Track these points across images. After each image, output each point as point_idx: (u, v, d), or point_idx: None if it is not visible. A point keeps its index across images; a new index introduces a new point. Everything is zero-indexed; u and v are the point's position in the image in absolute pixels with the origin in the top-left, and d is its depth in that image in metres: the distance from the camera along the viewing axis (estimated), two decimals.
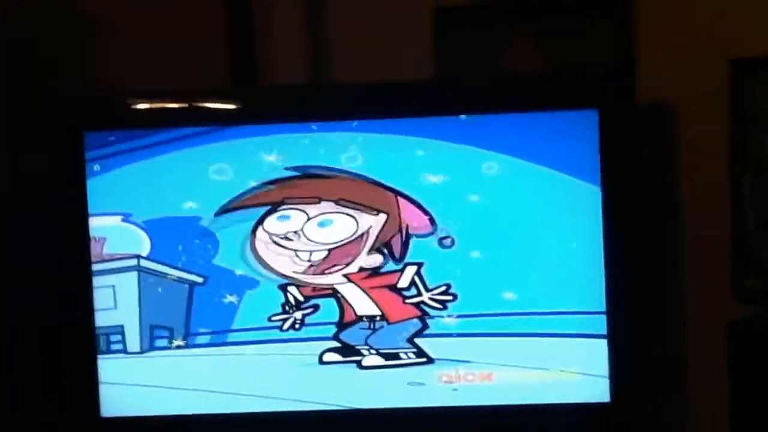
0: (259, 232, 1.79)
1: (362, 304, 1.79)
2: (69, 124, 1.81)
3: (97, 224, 1.81)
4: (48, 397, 1.96)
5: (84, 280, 1.81)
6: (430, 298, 1.78)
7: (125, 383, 1.83)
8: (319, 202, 1.78)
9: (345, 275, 1.79)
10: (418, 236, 1.77)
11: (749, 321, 1.74)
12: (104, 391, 1.83)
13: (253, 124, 1.78)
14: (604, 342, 1.77)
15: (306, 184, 1.77)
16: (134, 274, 1.81)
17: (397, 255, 1.78)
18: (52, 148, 1.82)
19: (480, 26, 2.06)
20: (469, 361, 1.79)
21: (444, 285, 1.78)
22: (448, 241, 1.77)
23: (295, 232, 1.79)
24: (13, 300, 1.98)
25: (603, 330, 1.76)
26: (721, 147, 1.81)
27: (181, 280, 1.81)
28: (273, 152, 1.77)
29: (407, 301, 1.79)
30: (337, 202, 1.78)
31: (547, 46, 2.00)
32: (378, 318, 1.80)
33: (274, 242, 1.79)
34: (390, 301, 1.79)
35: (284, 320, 1.80)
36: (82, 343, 1.82)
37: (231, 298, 1.80)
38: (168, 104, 1.83)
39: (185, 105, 1.82)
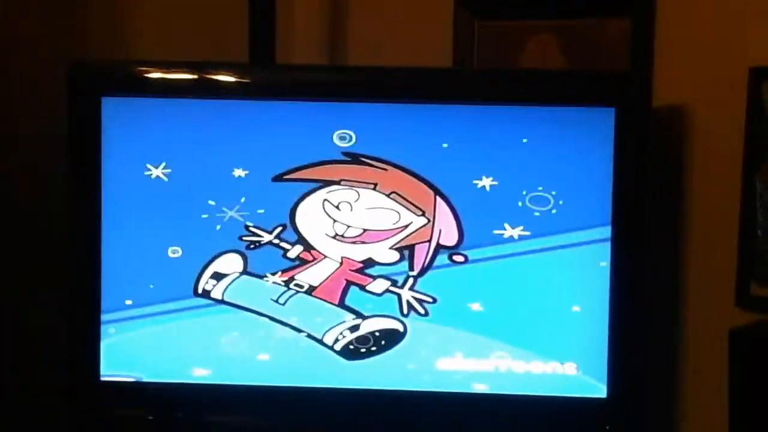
0: (311, 197, 1.80)
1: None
2: (88, 89, 1.81)
3: None
4: None
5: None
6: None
7: None
8: (374, 188, 1.79)
9: (342, 258, 1.81)
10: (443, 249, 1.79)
11: (751, 327, 1.74)
12: None
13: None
14: (605, 341, 1.78)
15: (365, 171, 1.79)
16: None
17: (416, 265, 1.80)
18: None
19: (500, 19, 2.07)
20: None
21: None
22: (460, 258, 1.79)
23: (348, 203, 1.80)
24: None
25: (605, 328, 1.77)
26: (735, 152, 1.82)
27: None
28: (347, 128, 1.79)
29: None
30: (389, 195, 1.79)
31: (566, 41, 2.01)
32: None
33: (323, 207, 1.80)
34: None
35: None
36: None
37: None
38: (190, 75, 1.83)
39: (205, 75, 1.82)
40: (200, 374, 1.83)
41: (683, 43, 1.90)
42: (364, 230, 1.80)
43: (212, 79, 1.82)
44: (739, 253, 1.83)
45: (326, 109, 1.79)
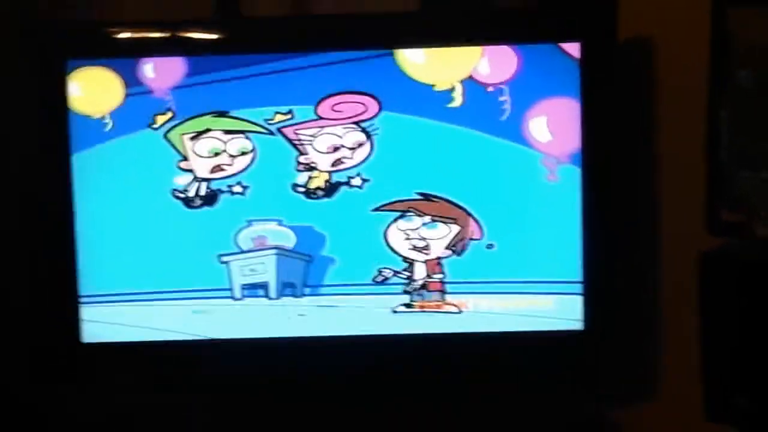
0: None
1: None
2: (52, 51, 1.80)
3: None
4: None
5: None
6: None
7: None
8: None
9: None
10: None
11: (721, 249, 1.76)
12: None
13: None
14: (579, 272, 1.80)
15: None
16: None
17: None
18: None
19: None
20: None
21: None
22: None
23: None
24: None
25: (577, 257, 1.80)
26: (700, 81, 1.82)
27: None
28: None
29: None
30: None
31: None
32: None
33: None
34: None
35: None
36: None
37: None
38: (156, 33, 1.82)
39: (171, 34, 1.82)
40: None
41: None
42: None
43: (180, 36, 1.81)
44: (707, 180, 1.84)
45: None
